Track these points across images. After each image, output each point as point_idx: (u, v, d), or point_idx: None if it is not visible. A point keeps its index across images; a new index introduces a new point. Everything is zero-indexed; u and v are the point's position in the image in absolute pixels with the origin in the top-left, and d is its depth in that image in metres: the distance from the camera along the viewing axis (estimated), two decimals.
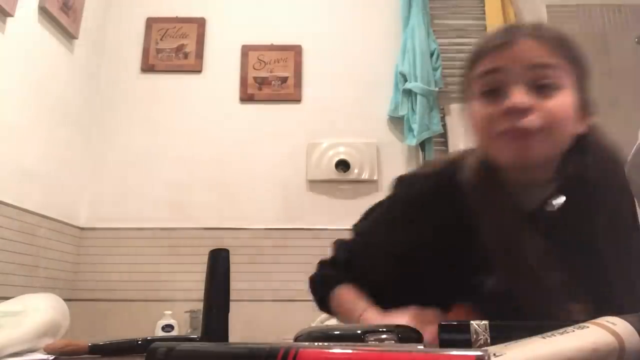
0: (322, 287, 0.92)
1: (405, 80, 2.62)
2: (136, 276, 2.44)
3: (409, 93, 2.61)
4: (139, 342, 0.70)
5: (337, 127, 2.67)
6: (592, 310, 0.57)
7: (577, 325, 0.45)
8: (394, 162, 2.60)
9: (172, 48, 2.78)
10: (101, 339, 0.72)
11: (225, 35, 2.81)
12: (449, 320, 0.55)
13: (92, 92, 2.66)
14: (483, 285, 0.73)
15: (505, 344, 0.45)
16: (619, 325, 0.44)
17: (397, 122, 2.67)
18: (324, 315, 1.11)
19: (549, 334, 0.45)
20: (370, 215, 0.96)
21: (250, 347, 0.38)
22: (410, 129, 2.57)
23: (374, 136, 2.67)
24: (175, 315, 2.33)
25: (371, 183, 2.57)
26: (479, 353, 0.33)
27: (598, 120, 0.79)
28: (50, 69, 2.30)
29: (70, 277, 2.41)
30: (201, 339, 0.62)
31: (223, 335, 0.61)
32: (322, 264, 0.96)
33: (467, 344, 0.50)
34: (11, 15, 1.98)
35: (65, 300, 0.94)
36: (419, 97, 2.55)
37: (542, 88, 0.72)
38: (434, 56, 2.67)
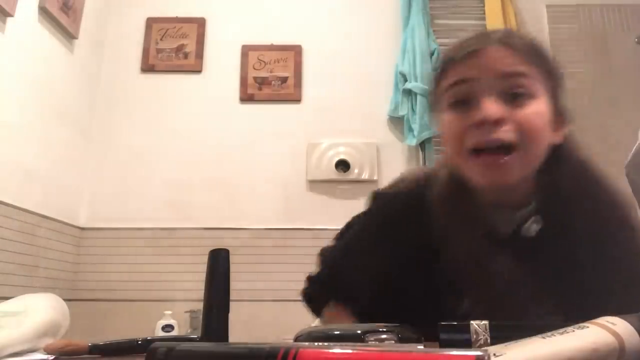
0: (312, 305, 0.91)
1: (405, 80, 2.62)
2: (136, 276, 2.44)
3: (409, 93, 2.61)
4: (139, 342, 0.70)
5: (337, 127, 2.67)
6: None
7: (577, 325, 0.45)
8: (394, 162, 2.60)
9: (172, 48, 2.78)
10: (101, 339, 0.72)
11: (225, 35, 2.81)
12: (449, 320, 0.55)
13: (92, 92, 2.66)
14: (457, 308, 0.70)
15: (505, 344, 0.45)
16: (619, 325, 0.44)
17: (397, 122, 2.67)
18: None
19: (549, 334, 0.45)
20: (348, 232, 0.94)
21: (250, 347, 0.38)
22: (410, 129, 2.57)
23: (374, 136, 2.67)
24: (175, 315, 2.33)
25: (371, 183, 2.57)
26: (479, 353, 0.33)
27: (572, 129, 0.76)
28: (50, 69, 2.30)
29: (70, 277, 2.41)
30: (201, 339, 0.62)
31: (223, 335, 0.61)
32: (310, 281, 0.94)
33: (467, 344, 0.50)
34: (11, 15, 1.98)
35: (65, 300, 0.94)
36: (419, 97, 2.55)
37: (514, 97, 0.69)
38: (434, 56, 2.67)
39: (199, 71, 2.76)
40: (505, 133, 0.67)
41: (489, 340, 0.50)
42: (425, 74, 2.57)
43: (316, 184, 2.61)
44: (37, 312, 0.85)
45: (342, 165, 2.59)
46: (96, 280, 2.44)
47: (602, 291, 0.63)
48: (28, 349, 0.78)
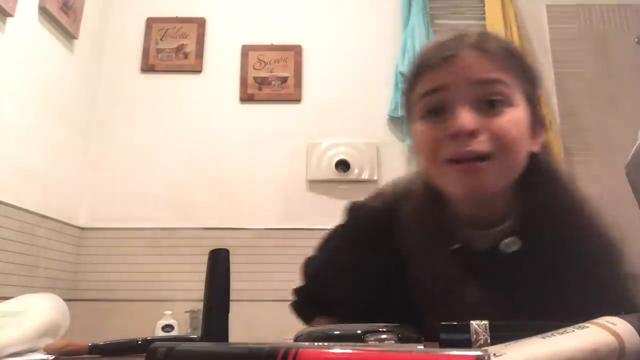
0: (301, 317, 0.90)
1: None
2: (136, 276, 2.44)
3: None
4: (139, 342, 0.70)
5: (337, 127, 2.67)
6: None
7: (577, 325, 0.45)
8: (394, 162, 2.60)
9: (172, 48, 2.78)
10: (101, 339, 0.72)
11: (225, 35, 2.81)
12: (448, 320, 0.55)
13: (92, 92, 2.66)
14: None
15: (505, 344, 0.45)
16: (619, 325, 0.44)
17: (397, 122, 2.67)
18: None
19: (549, 334, 0.45)
20: (327, 245, 0.92)
21: (250, 347, 0.38)
22: None
23: (374, 136, 2.67)
24: (175, 315, 2.33)
25: (371, 183, 2.57)
26: (479, 353, 0.33)
27: (546, 137, 0.74)
28: (50, 69, 2.30)
29: (70, 277, 2.41)
30: (201, 339, 0.62)
31: (223, 335, 0.61)
32: (297, 293, 0.93)
33: (467, 344, 0.50)
34: (11, 15, 1.98)
35: (65, 300, 0.93)
36: None
37: (491, 105, 0.66)
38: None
39: (199, 71, 2.76)
40: (481, 144, 0.64)
41: (489, 340, 0.50)
42: None
43: (316, 184, 2.61)
44: (37, 312, 0.85)
45: (342, 165, 2.59)
46: (96, 280, 2.44)
47: (578, 310, 0.61)
48: (28, 349, 0.78)
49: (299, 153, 2.63)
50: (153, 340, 0.63)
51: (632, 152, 0.65)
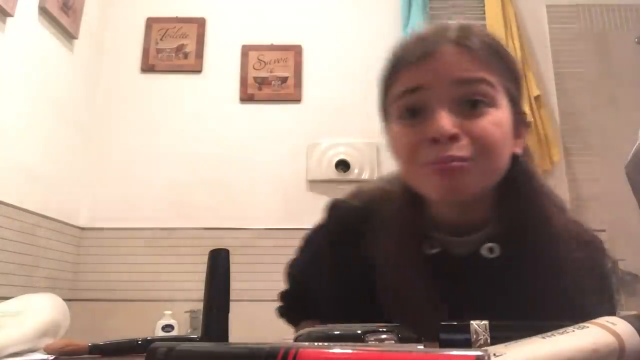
0: (289, 321, 0.91)
1: None
2: (136, 276, 2.44)
3: None
4: (139, 342, 0.70)
5: (337, 127, 2.67)
6: None
7: (577, 325, 0.45)
8: (394, 162, 2.60)
9: (172, 48, 2.78)
10: (101, 339, 0.72)
11: (225, 35, 2.81)
12: (448, 320, 0.55)
13: (92, 92, 2.66)
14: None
15: (505, 344, 0.45)
16: (619, 325, 0.44)
17: None
18: None
19: (549, 334, 0.45)
20: (307, 246, 0.92)
21: (250, 347, 0.38)
22: None
23: (374, 136, 2.65)
24: (175, 315, 2.33)
25: None
26: (479, 353, 0.33)
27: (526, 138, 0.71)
28: (50, 69, 2.30)
29: (70, 277, 2.41)
30: (201, 339, 0.62)
31: (223, 335, 0.61)
32: (282, 298, 0.93)
33: (467, 344, 0.50)
34: (11, 15, 1.99)
35: (65, 300, 0.93)
36: None
37: (472, 106, 0.62)
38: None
39: (199, 71, 2.76)
40: (462, 149, 0.61)
41: (489, 340, 0.50)
42: None
43: (316, 184, 2.61)
44: (37, 312, 0.85)
45: (342, 165, 2.59)
46: (96, 280, 2.44)
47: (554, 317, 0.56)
48: (28, 349, 0.78)
49: (299, 153, 2.63)
50: (153, 340, 0.63)
51: (632, 152, 0.65)
